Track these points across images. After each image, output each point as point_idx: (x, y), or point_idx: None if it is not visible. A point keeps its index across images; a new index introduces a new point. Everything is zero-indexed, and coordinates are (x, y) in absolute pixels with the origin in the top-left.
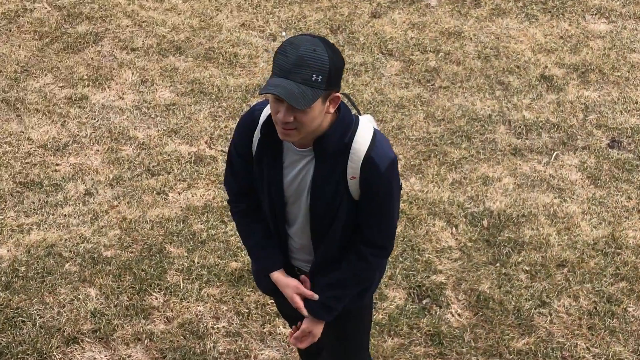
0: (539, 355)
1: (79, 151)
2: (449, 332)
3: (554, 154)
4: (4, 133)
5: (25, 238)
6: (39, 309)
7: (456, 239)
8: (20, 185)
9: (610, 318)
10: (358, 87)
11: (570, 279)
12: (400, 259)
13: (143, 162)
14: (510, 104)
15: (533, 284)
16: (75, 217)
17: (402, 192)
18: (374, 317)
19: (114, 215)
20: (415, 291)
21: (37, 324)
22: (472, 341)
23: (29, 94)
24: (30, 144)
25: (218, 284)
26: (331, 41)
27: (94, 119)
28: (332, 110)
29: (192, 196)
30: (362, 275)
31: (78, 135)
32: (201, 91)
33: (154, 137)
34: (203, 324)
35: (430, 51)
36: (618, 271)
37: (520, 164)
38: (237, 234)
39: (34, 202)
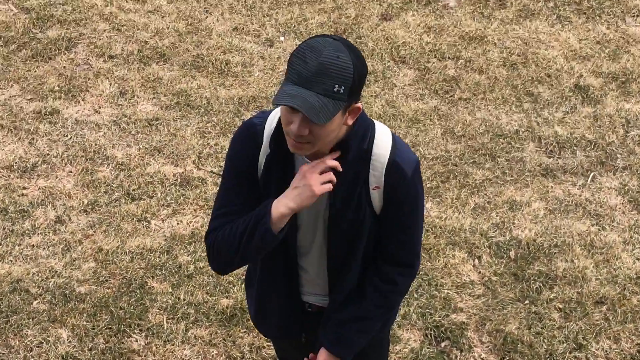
0: None
1: (49, 173)
2: None
3: (591, 175)
4: None
5: None
6: (3, 353)
7: (479, 272)
8: None
9: None
10: (367, 98)
11: (610, 318)
12: (416, 295)
13: (122, 185)
14: (541, 118)
15: (567, 324)
16: (44, 248)
17: None
18: None
19: (89, 246)
20: (432, 332)
21: None
22: None
23: None
24: None
25: (207, 324)
26: None
27: (67, 136)
28: (350, 122)
29: (178, 224)
30: (389, 300)
31: (48, 154)
32: (188, 104)
33: (135, 157)
34: None
35: (448, 58)
36: None
37: (552, 187)
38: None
39: None
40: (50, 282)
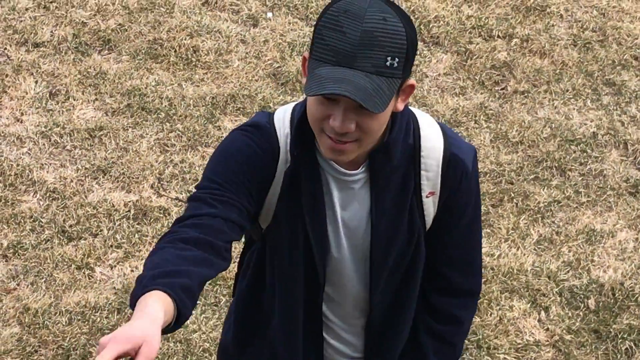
0: None
1: None
2: None
3: None
4: None
5: None
6: None
7: (547, 329)
8: None
9: None
10: None
11: None
12: None
13: (55, 219)
14: (626, 116)
15: None
16: None
17: None
18: None
19: (11, 304)
20: None
21: None
22: None
23: None
24: None
25: None
26: None
27: None
28: (401, 106)
29: (132, 271)
30: (451, 344)
31: None
32: (143, 107)
33: (72, 181)
34: None
35: (498, 37)
36: None
37: None
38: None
39: None
40: None
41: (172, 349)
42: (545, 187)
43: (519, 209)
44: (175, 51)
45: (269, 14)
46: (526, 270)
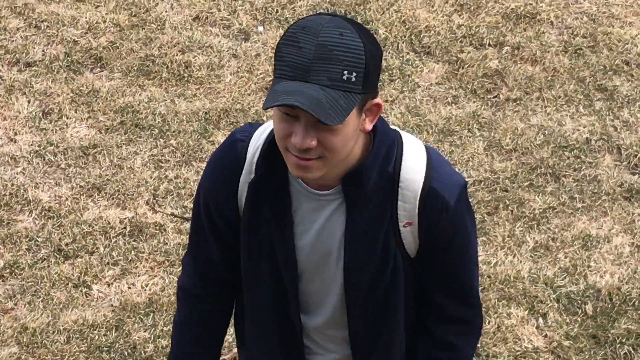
0: None
1: None
2: None
3: None
4: None
5: None
6: None
7: (545, 335)
8: None
9: None
10: None
11: None
12: None
13: (50, 238)
14: (619, 121)
15: None
16: None
17: None
18: None
19: (8, 324)
20: None
21: None
22: None
23: None
24: None
25: None
26: None
27: None
28: (369, 126)
29: (129, 288)
30: None
31: None
32: (136, 124)
33: (66, 199)
34: None
35: (489, 45)
36: None
37: (639, 214)
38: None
39: None
40: None
41: None
42: (540, 194)
43: (514, 216)
44: (167, 67)
45: (260, 28)
46: (523, 278)
